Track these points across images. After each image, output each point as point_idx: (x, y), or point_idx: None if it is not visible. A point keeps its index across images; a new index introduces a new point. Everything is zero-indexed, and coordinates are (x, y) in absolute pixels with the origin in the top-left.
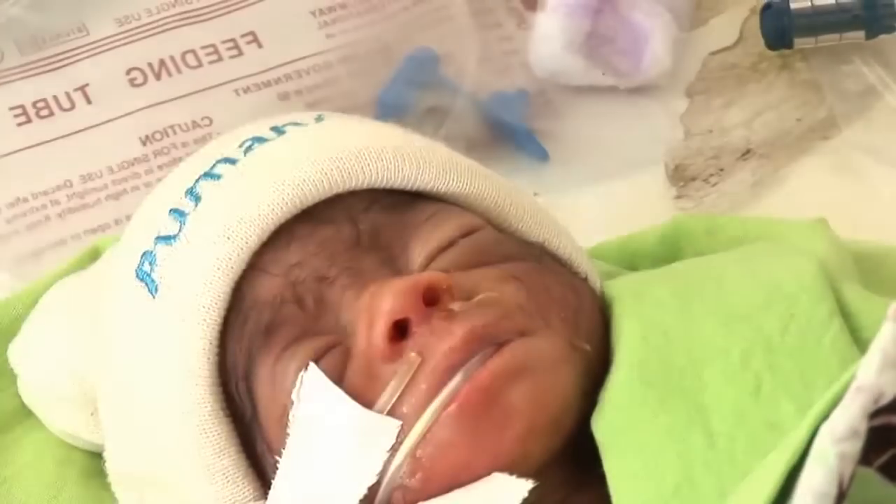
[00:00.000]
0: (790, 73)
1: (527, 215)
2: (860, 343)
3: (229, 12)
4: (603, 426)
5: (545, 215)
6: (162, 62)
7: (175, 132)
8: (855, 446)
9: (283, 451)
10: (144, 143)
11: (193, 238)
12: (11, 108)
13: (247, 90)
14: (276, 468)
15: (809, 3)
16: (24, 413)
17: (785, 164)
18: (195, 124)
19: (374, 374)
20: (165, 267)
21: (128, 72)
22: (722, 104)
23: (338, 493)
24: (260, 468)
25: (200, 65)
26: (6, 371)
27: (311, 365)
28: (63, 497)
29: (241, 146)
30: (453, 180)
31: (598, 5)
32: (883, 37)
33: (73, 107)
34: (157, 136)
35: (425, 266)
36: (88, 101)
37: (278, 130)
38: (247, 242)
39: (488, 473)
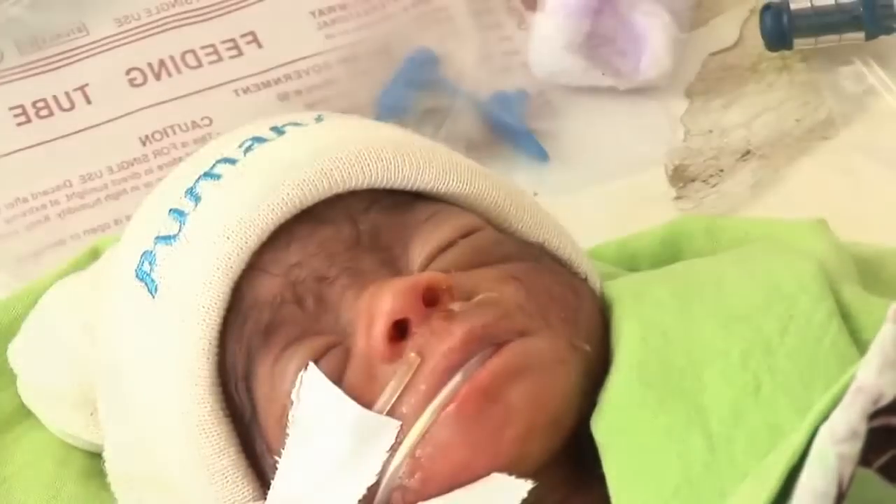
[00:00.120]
0: (790, 74)
1: (527, 215)
2: (860, 344)
3: (229, 12)
4: (602, 427)
5: (545, 215)
6: (162, 62)
7: (175, 132)
8: (854, 447)
9: (282, 451)
10: (144, 143)
11: (193, 238)
12: (11, 108)
13: (246, 90)
14: (276, 468)
15: (809, 4)
16: (24, 413)
17: (784, 164)
18: (195, 124)
19: (373, 375)
20: (165, 267)
21: (128, 72)
22: (721, 105)
23: (337, 493)
24: (259, 468)
25: (200, 65)
26: (6, 371)
27: (311, 365)
28: (62, 497)
29: (240, 146)
30: (453, 180)
31: (597, 6)
32: (882, 38)
33: (73, 107)
34: (157, 136)
35: (425, 266)
36: (88, 101)
37: (278, 130)
38: (246, 242)
39: (487, 473)
